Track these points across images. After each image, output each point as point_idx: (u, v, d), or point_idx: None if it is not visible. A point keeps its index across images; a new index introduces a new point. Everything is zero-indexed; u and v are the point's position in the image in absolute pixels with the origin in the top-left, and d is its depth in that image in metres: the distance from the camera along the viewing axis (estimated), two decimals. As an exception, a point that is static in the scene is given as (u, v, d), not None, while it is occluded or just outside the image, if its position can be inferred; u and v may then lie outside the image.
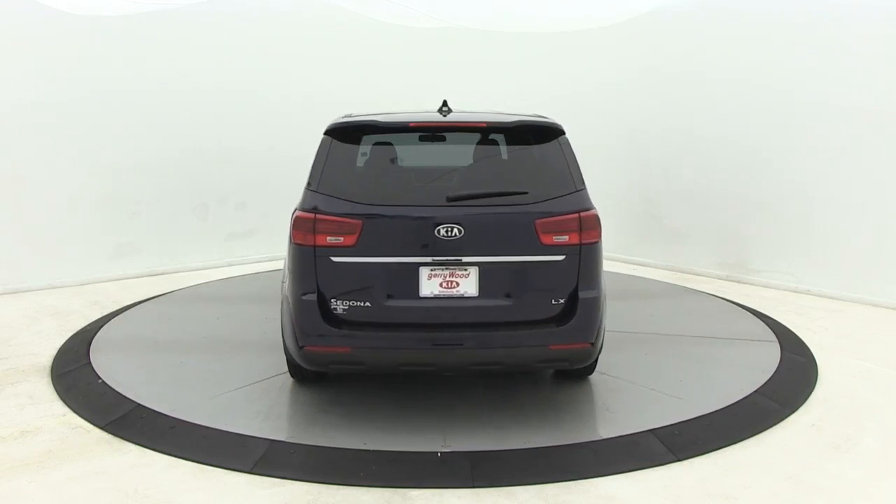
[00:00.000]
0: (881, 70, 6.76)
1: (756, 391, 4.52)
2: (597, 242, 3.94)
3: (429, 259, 3.78)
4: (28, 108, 7.07)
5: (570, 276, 3.85)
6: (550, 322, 3.85)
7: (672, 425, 3.97)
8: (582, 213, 3.88)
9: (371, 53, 9.17)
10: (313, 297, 3.78)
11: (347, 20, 9.16)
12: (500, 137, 4.33)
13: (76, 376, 4.72)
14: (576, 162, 4.07)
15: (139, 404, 4.23)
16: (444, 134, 4.41)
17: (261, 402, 4.31)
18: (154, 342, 5.44)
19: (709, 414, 4.15)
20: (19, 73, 7.04)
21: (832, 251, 7.14)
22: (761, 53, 7.63)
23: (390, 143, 4.24)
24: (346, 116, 4.33)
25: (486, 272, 3.80)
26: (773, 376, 4.78)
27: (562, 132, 4.15)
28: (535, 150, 4.16)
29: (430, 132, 4.38)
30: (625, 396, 4.42)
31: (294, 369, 4.47)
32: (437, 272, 3.79)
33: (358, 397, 4.42)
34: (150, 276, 7.72)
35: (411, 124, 4.21)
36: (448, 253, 3.77)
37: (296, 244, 3.84)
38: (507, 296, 3.83)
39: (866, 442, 3.90)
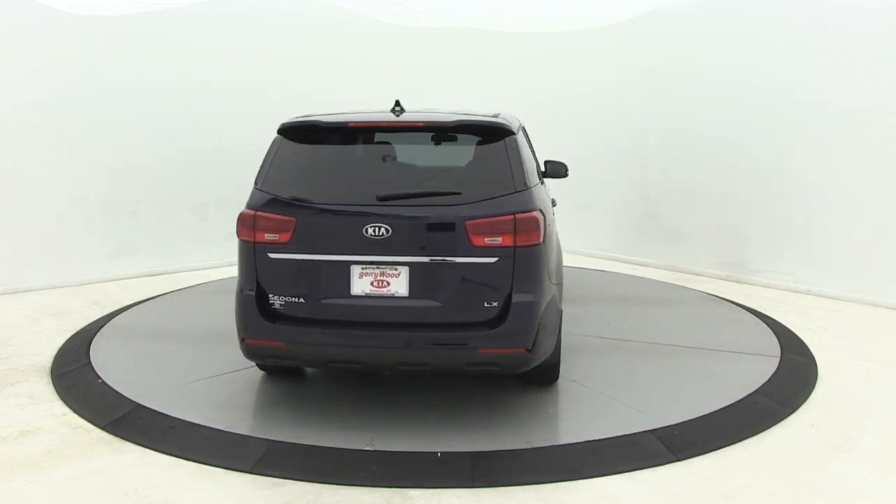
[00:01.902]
0: (881, 70, 6.75)
1: (756, 391, 4.51)
2: (537, 245, 3.82)
3: (359, 258, 3.80)
4: (28, 108, 7.07)
5: (504, 279, 3.76)
6: (482, 325, 3.78)
7: (672, 425, 3.97)
8: (518, 215, 3.77)
9: (371, 53, 9.18)
10: (252, 291, 3.91)
11: (347, 20, 9.16)
12: (443, 137, 4.29)
13: (76, 376, 4.72)
14: (520, 163, 3.99)
15: (139, 404, 4.23)
16: (389, 134, 4.35)
17: (221, 392, 4.43)
18: (153, 341, 5.44)
19: (708, 414, 4.15)
20: (19, 73, 7.04)
21: (832, 251, 7.14)
22: (761, 53, 7.63)
23: (334, 143, 4.26)
24: (301, 116, 4.35)
25: (416, 272, 3.79)
26: (772, 376, 4.77)
27: (508, 133, 4.08)
28: (477, 149, 4.13)
29: (370, 132, 4.33)
30: (582, 405, 4.31)
31: None
32: (368, 271, 3.81)
33: (320, 392, 4.49)
34: (150, 276, 7.72)
35: (350, 124, 4.22)
36: (377, 252, 3.78)
37: (240, 240, 4.00)
38: (438, 297, 3.80)
39: (866, 442, 3.90)
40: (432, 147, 4.29)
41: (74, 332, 5.70)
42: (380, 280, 3.81)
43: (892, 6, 6.71)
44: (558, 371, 4.55)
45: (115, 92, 7.56)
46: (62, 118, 7.27)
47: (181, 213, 8.14)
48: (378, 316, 3.83)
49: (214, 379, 4.67)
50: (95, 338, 5.48)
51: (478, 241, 3.74)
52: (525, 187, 3.93)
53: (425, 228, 3.82)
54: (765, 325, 5.95)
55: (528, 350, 3.80)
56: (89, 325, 5.88)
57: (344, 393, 4.53)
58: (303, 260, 3.87)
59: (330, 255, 3.84)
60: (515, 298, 3.76)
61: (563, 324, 5.90)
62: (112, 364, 4.92)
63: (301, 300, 3.87)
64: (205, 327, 5.75)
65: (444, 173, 4.18)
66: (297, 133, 4.18)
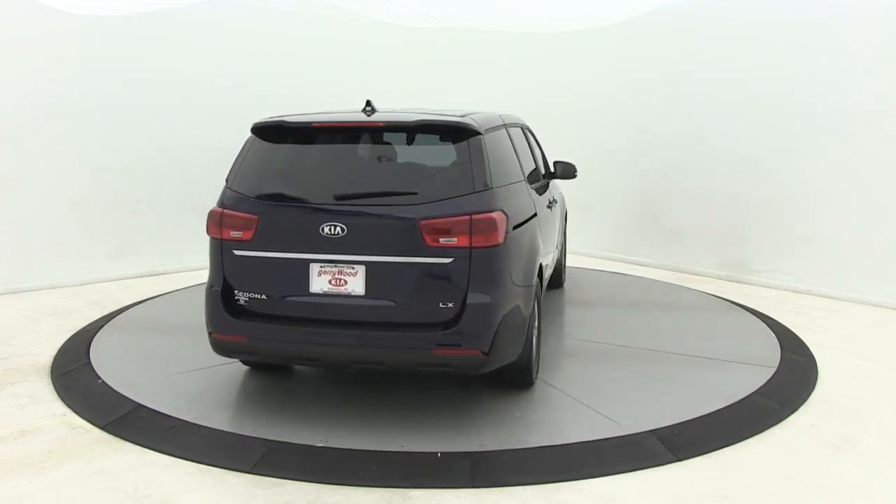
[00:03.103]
0: (881, 70, 6.76)
1: (756, 391, 4.51)
2: (496, 247, 3.78)
3: (317, 256, 3.84)
4: (28, 108, 7.07)
5: (460, 280, 3.74)
6: (437, 326, 3.76)
7: (672, 425, 3.97)
8: (474, 216, 3.73)
9: (371, 53, 9.18)
10: (219, 286, 4.05)
11: (347, 20, 9.17)
12: (407, 137, 4.23)
13: (76, 376, 4.72)
14: (484, 163, 3.93)
15: (139, 404, 4.23)
16: (353, 134, 4.30)
17: (198, 385, 4.55)
18: (154, 341, 5.44)
19: (708, 414, 4.15)
20: (19, 73, 7.04)
21: (832, 251, 7.14)
22: (761, 53, 7.63)
23: (299, 143, 4.29)
24: (277, 116, 4.37)
25: (372, 272, 3.81)
26: (772, 376, 4.77)
27: (473, 133, 4.01)
28: (440, 150, 4.11)
29: (334, 132, 4.32)
30: (552, 410, 4.22)
31: None
32: (327, 269, 3.85)
33: (314, 391, 4.53)
34: (150, 276, 7.72)
35: (314, 124, 4.24)
36: (334, 251, 3.81)
37: (210, 237, 4.13)
38: (393, 296, 3.81)
39: (866, 442, 3.90)
40: (399, 147, 4.24)
41: (74, 332, 5.70)
42: (337, 278, 3.84)
43: (892, 6, 6.71)
44: (531, 375, 4.45)
45: (114, 92, 7.56)
46: (62, 118, 7.27)
47: (181, 213, 8.13)
48: (335, 314, 3.86)
49: (211, 375, 4.68)
50: (95, 338, 5.48)
51: (432, 241, 3.73)
52: (486, 187, 3.88)
53: (380, 228, 3.83)
54: (769, 334, 5.73)
55: (485, 353, 3.77)
56: (89, 325, 5.88)
57: (338, 392, 4.53)
58: (265, 257, 3.94)
59: (290, 252, 3.89)
60: (471, 300, 3.74)
61: (561, 327, 5.91)
62: (112, 364, 4.92)
63: (263, 296, 3.96)
64: (204, 325, 5.75)
65: (404, 173, 4.15)
66: (267, 132, 4.24)
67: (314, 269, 3.86)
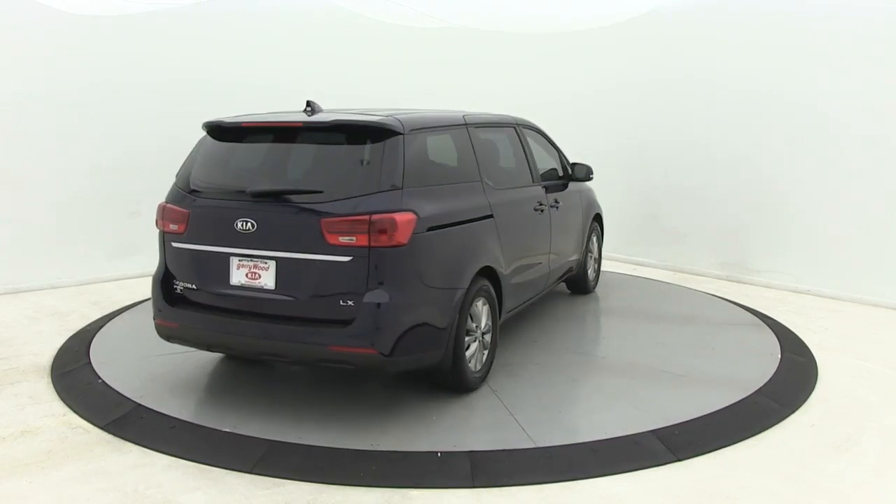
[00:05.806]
0: (881, 71, 6.76)
1: (756, 391, 4.51)
2: (398, 247, 3.77)
3: (235, 250, 4.03)
4: (28, 108, 7.07)
5: (359, 278, 3.77)
6: (337, 323, 3.81)
7: (672, 426, 3.97)
8: (374, 216, 3.74)
9: (371, 53, 9.18)
10: (161, 275, 4.36)
11: (347, 20, 9.16)
12: (325, 136, 4.20)
13: (76, 376, 4.72)
14: (395, 163, 3.91)
15: (139, 404, 4.23)
16: (279, 134, 4.36)
17: (164, 369, 4.80)
18: (153, 341, 5.38)
19: (709, 414, 4.15)
20: (19, 72, 7.03)
21: (832, 251, 7.14)
22: (762, 53, 7.63)
23: (233, 141, 4.42)
24: (226, 116, 4.49)
25: (282, 267, 3.93)
26: (773, 377, 4.77)
27: (390, 133, 3.99)
28: (356, 149, 4.07)
29: (258, 132, 4.42)
30: (474, 418, 4.10)
31: None
32: (244, 263, 4.03)
33: (312, 390, 4.53)
34: (150, 276, 7.69)
35: (243, 124, 4.37)
36: (247, 246, 3.97)
37: (159, 230, 4.41)
38: (299, 292, 3.89)
39: (866, 442, 3.90)
40: (318, 146, 4.23)
41: (74, 332, 5.69)
42: (253, 272, 4.01)
43: (892, 6, 6.71)
44: (466, 380, 4.32)
45: (114, 92, 7.55)
46: (62, 118, 7.27)
47: (181, 213, 8.12)
48: (249, 306, 4.02)
49: (212, 374, 4.68)
50: (95, 338, 5.48)
51: (332, 239, 3.79)
52: (393, 188, 3.86)
53: (287, 225, 3.93)
54: (768, 354, 5.25)
55: (385, 353, 3.77)
56: (89, 325, 5.88)
57: (337, 391, 4.53)
58: (194, 249, 4.19)
59: (213, 246, 4.11)
60: (369, 299, 3.76)
61: (556, 335, 5.74)
62: (112, 364, 4.92)
63: (193, 286, 4.21)
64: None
65: (315, 172, 4.13)
66: (212, 131, 4.45)
67: (234, 262, 4.05)
